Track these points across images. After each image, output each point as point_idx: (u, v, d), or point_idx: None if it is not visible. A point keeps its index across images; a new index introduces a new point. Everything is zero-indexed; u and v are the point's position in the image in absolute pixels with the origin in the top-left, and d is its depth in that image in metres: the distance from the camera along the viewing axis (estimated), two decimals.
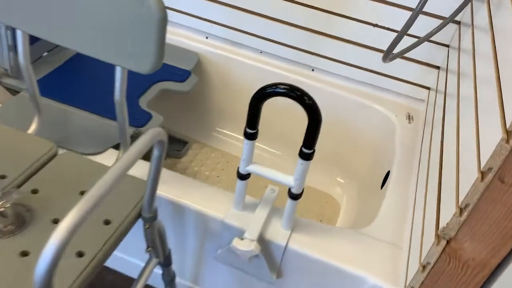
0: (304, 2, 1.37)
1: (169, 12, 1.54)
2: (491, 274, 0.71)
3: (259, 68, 1.52)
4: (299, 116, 1.33)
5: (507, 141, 0.59)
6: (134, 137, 1.14)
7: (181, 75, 1.44)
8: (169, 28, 1.58)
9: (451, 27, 1.26)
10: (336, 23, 1.37)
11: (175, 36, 1.57)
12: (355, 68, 1.43)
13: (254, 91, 0.81)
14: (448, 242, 0.72)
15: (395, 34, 1.24)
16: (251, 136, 0.87)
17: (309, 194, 1.57)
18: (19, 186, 0.85)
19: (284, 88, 0.78)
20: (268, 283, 1.08)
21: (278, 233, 0.97)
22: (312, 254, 0.95)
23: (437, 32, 1.19)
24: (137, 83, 1.35)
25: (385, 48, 1.35)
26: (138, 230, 0.88)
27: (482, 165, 0.64)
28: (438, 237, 0.74)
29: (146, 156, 0.73)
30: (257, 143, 1.65)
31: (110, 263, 1.31)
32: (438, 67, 1.35)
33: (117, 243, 0.80)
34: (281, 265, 1.01)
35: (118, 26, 0.78)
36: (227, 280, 1.16)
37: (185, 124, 1.73)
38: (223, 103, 1.67)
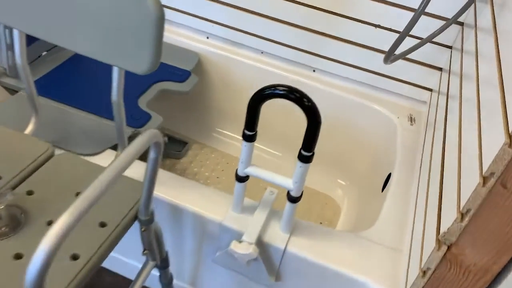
0: (306, 2, 1.36)
1: (169, 11, 1.53)
2: (493, 281, 0.70)
3: (260, 68, 1.51)
4: (300, 116, 1.32)
5: (510, 145, 0.58)
6: (132, 138, 1.13)
7: (181, 75, 1.43)
8: (170, 27, 1.57)
9: (454, 28, 1.24)
10: (338, 24, 1.36)
11: (175, 35, 1.55)
12: (357, 69, 1.42)
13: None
14: (449, 247, 0.70)
15: (398, 35, 1.22)
16: (249, 138, 0.86)
17: (309, 195, 1.56)
18: (14, 187, 0.84)
19: (283, 90, 0.77)
20: (266, 287, 1.07)
21: (277, 236, 0.96)
22: (311, 257, 0.94)
23: (440, 33, 1.17)
24: (137, 83, 1.34)
25: (387, 49, 1.33)
26: (137, 232, 0.87)
27: (484, 170, 0.63)
28: (439, 242, 0.72)
29: (145, 157, 0.72)
30: (256, 143, 1.64)
31: (109, 265, 1.30)
32: (440, 69, 1.33)
33: (113, 246, 0.79)
34: (280, 269, 1.00)
35: (114, 26, 0.77)
36: (225, 282, 1.14)
37: (185, 124, 1.72)
38: (224, 103, 1.66)
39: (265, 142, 1.66)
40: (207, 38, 1.55)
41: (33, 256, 0.51)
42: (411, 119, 1.37)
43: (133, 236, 0.91)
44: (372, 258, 0.95)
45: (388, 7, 1.28)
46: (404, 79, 1.39)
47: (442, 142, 0.99)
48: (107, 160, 1.07)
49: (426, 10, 1.23)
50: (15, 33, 0.90)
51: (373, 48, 1.36)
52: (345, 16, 1.34)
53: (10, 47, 1.20)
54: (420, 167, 1.16)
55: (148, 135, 0.67)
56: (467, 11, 1.16)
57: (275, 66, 1.50)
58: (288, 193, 0.90)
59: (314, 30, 1.40)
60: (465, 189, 0.69)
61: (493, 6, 0.98)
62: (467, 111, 0.87)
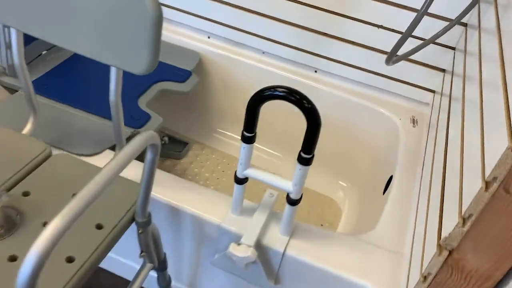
0: (308, 2, 1.34)
1: (170, 10, 1.52)
2: (495, 287, 0.68)
3: (261, 68, 1.50)
4: (300, 117, 1.31)
5: None
6: (131, 138, 1.12)
7: (181, 75, 1.41)
8: (171, 27, 1.56)
9: (457, 29, 1.23)
10: (340, 24, 1.35)
11: (176, 35, 1.54)
12: (359, 70, 1.41)
13: None
14: (450, 252, 0.69)
15: (400, 35, 1.21)
16: (248, 139, 0.85)
17: (310, 197, 1.54)
18: (10, 188, 0.83)
19: (282, 91, 0.76)
20: None
21: (276, 239, 0.95)
22: (311, 261, 0.93)
23: (443, 34, 1.16)
24: (137, 83, 1.33)
25: (389, 50, 1.32)
26: (135, 232, 0.86)
27: (486, 174, 0.62)
28: (440, 247, 0.71)
29: (144, 158, 0.71)
30: (256, 144, 1.63)
31: (108, 266, 1.29)
32: (443, 70, 1.32)
33: (109, 249, 0.78)
34: (279, 272, 0.99)
35: (112, 25, 0.76)
36: (224, 285, 1.13)
37: (185, 124, 1.71)
38: (225, 103, 1.65)
39: (265, 143, 1.65)
40: (208, 37, 1.54)
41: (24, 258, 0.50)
42: (414, 121, 1.36)
43: (131, 237, 0.90)
44: (373, 261, 0.94)
45: (391, 8, 1.26)
46: (406, 80, 1.38)
47: (444, 145, 0.98)
48: (106, 160, 1.06)
49: (429, 11, 1.21)
50: (13, 32, 0.89)
51: (376, 48, 1.35)
52: (347, 16, 1.33)
53: (10, 46, 1.19)
54: (422, 169, 1.14)
55: (145, 136, 0.66)
56: (470, 11, 1.14)
57: (277, 66, 1.49)
58: (288, 195, 0.89)
59: (316, 31, 1.39)
60: (467, 193, 0.68)
61: (497, 7, 0.96)
62: (470, 113, 0.85)
